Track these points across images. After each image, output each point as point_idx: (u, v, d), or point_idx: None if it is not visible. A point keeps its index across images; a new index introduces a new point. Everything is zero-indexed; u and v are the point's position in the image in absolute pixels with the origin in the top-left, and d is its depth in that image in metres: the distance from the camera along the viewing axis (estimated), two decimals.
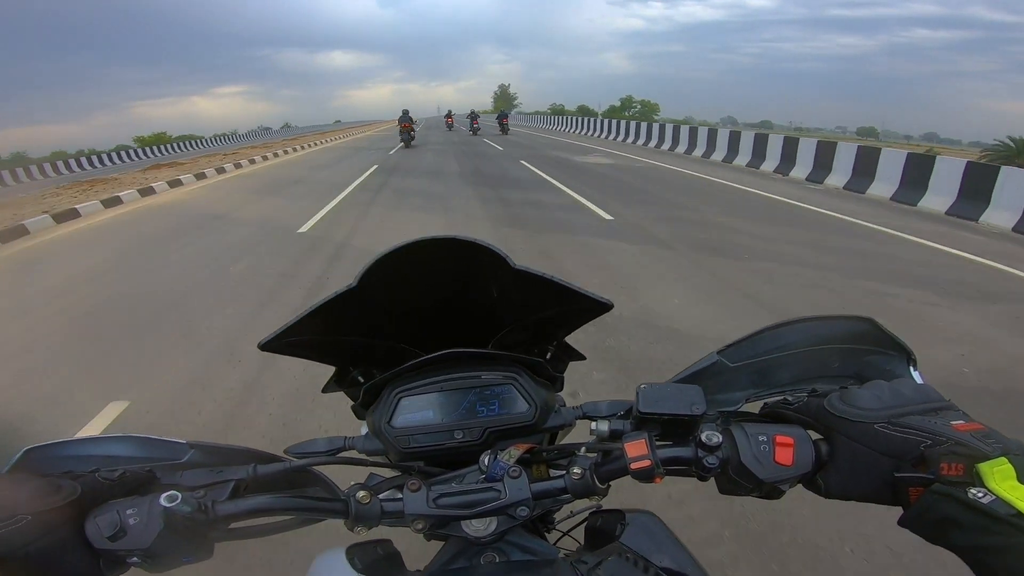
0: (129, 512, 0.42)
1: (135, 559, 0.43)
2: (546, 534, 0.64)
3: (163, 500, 0.42)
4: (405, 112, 19.22)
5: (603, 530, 0.59)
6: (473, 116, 26.07)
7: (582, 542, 0.64)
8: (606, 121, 23.39)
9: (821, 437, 0.48)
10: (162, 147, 36.05)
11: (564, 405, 0.62)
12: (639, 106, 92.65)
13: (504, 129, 25.86)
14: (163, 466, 0.50)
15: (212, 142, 40.55)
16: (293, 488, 0.55)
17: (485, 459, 0.53)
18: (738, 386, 0.57)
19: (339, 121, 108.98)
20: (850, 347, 0.55)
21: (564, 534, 0.70)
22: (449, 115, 32.81)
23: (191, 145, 38.43)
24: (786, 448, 0.46)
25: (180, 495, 0.42)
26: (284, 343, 0.58)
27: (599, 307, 0.59)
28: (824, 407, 0.47)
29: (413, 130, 18.94)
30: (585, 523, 0.64)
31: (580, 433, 0.60)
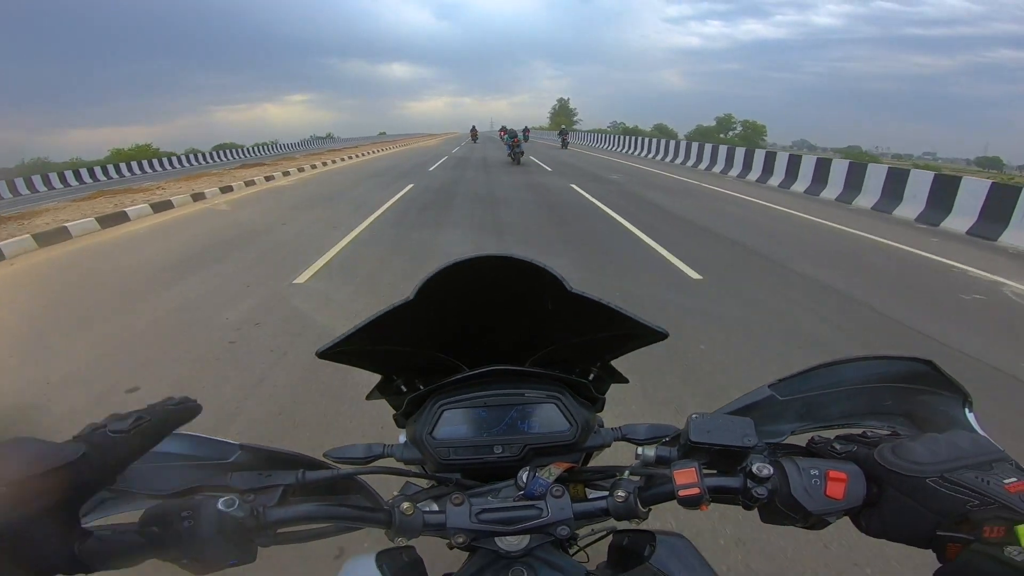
0: (184, 515, 0.41)
1: (184, 560, 0.42)
2: (568, 548, 0.63)
3: (221, 504, 0.42)
4: (473, 127, 31.54)
5: (630, 550, 0.57)
6: (512, 135, 18.02)
7: (604, 559, 0.62)
8: (688, 145, 19.41)
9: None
10: (197, 156, 36.58)
11: (603, 425, 0.64)
12: (739, 127, 78.37)
13: (564, 144, 26.09)
14: (214, 464, 0.51)
15: (252, 152, 41.19)
16: (335, 494, 0.58)
17: (523, 475, 0.53)
18: (785, 419, 0.58)
19: (384, 133, 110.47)
20: (904, 386, 0.55)
21: (580, 549, 0.68)
22: (473, 130, 33.86)
23: (230, 155, 38.99)
24: (838, 483, 0.46)
25: (237, 500, 0.43)
26: (338, 352, 0.59)
27: (653, 335, 0.60)
28: (875, 458, 0.46)
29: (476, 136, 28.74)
30: (609, 540, 0.62)
31: (614, 454, 0.63)
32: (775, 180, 12.82)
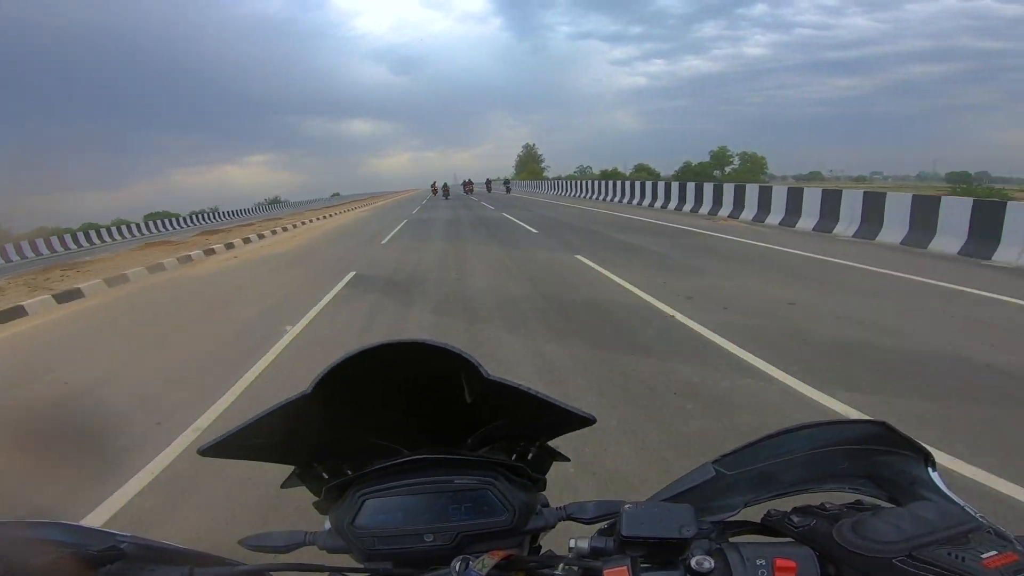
0: None
1: None
2: None
3: None
4: (434, 183, 37.02)
5: None
6: (467, 182, 31.44)
7: None
8: (669, 186, 17.87)
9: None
10: (128, 228, 32.05)
11: (547, 505, 0.61)
12: (735, 160, 68.58)
13: (508, 190, 30.38)
14: (93, 553, 0.47)
15: (188, 221, 36.89)
16: None
17: (456, 565, 0.50)
18: (737, 491, 0.54)
19: (337, 194, 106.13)
20: (860, 448, 0.53)
21: None
22: (434, 186, 37.66)
23: (163, 226, 34.56)
24: (787, 573, 0.43)
25: None
26: (230, 447, 0.55)
27: (581, 421, 0.58)
28: (833, 537, 0.43)
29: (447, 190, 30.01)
30: None
31: (566, 531, 0.58)
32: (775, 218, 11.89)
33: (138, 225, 33.04)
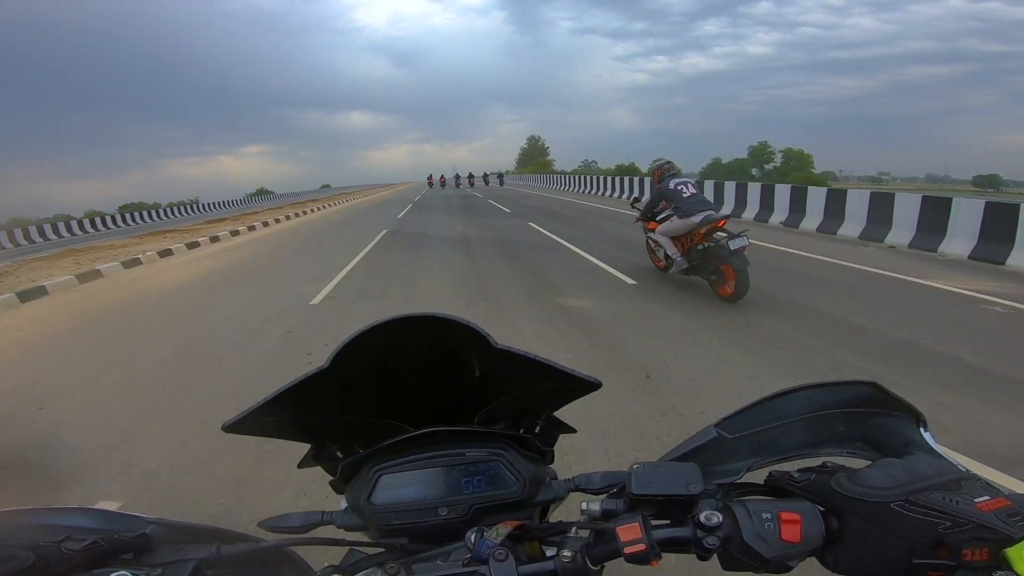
0: None
1: None
2: None
3: None
4: (431, 175, 38.24)
5: None
6: (462, 176, 34.09)
7: None
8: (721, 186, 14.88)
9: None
10: (103, 220, 29.93)
11: (555, 478, 0.62)
12: (779, 157, 57.55)
13: (501, 183, 32.50)
14: (126, 539, 0.47)
15: (166, 213, 34.66)
16: (264, 567, 0.54)
17: (472, 536, 0.51)
18: (738, 456, 0.55)
19: (328, 186, 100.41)
20: (854, 411, 0.54)
21: None
22: (430, 179, 38.29)
23: (139, 218, 32.41)
24: (792, 525, 0.45)
25: (129, 574, 0.42)
26: (251, 424, 0.57)
27: (587, 386, 0.60)
28: (832, 487, 0.45)
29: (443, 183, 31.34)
30: None
31: (574, 504, 0.57)
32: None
33: (80, 222, 30.17)
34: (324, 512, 0.57)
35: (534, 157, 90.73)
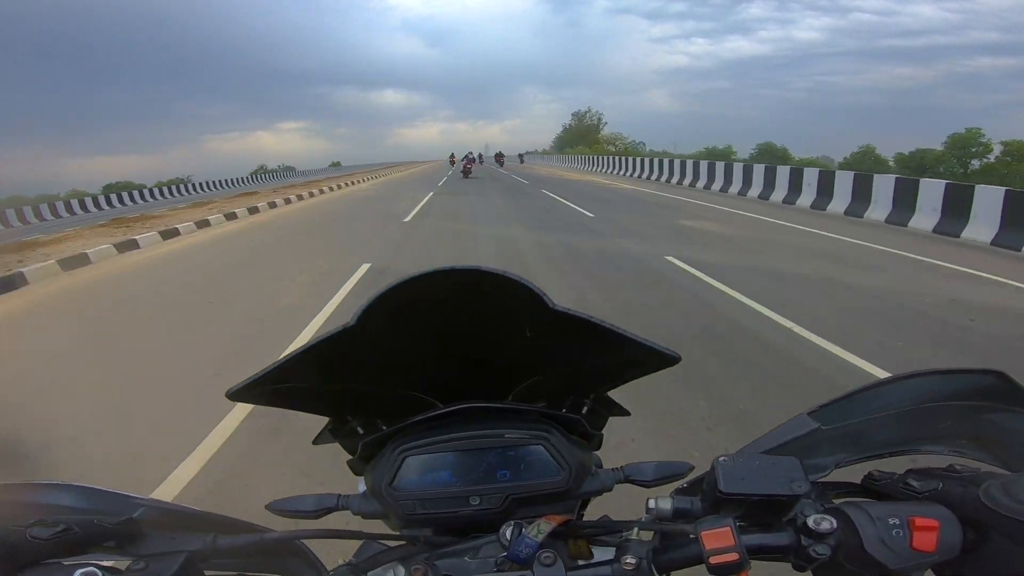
0: None
1: None
2: None
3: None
4: (452, 154, 36.09)
5: None
6: (491, 155, 39.73)
7: None
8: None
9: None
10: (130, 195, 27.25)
11: (601, 466, 0.56)
12: (997, 148, 37.48)
13: (521, 161, 32.54)
14: (107, 524, 0.41)
15: (154, 194, 31.80)
16: (269, 557, 0.49)
17: (507, 532, 0.46)
18: (825, 451, 0.49)
19: (338, 164, 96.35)
20: (967, 404, 0.48)
21: None
22: (452, 158, 36.25)
23: (125, 200, 29.54)
24: (928, 532, 0.39)
25: (99, 572, 0.36)
26: (262, 391, 0.50)
27: (662, 360, 0.51)
28: (980, 499, 0.39)
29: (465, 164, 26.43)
30: None
31: (615, 498, 0.55)
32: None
33: (98, 197, 27.91)
34: (340, 495, 0.51)
35: (588, 135, 74.06)
